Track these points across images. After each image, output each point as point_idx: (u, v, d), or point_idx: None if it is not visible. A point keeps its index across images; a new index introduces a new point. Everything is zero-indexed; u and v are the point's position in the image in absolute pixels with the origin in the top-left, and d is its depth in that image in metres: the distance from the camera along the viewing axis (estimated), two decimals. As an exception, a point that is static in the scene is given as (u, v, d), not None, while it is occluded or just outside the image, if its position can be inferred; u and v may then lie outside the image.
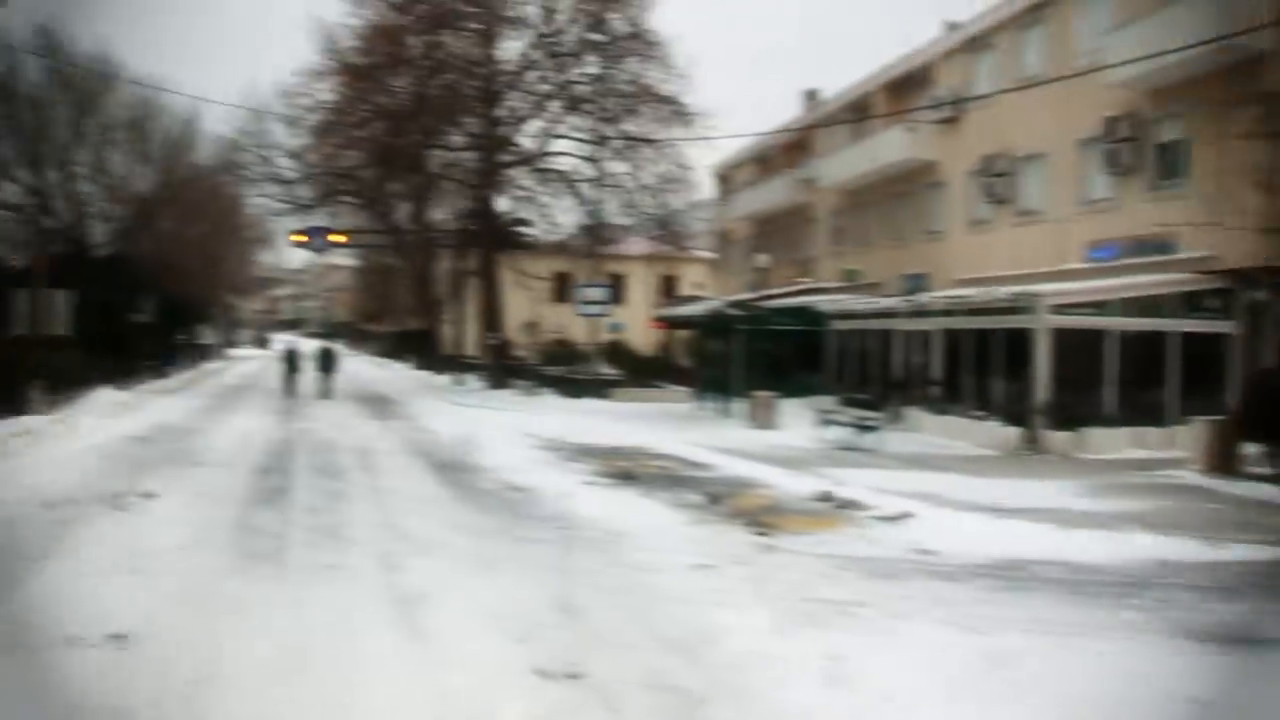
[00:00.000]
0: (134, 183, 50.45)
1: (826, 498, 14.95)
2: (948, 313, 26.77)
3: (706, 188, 52.14)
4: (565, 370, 42.00)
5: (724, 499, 14.86)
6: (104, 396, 29.39)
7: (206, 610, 8.47)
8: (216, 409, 31.43)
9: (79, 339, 31.36)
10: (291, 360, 38.04)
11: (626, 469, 17.95)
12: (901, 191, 34.51)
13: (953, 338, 26.72)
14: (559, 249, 45.62)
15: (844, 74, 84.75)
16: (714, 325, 34.42)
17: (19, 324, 28.75)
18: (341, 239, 46.83)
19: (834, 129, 39.18)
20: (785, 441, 23.52)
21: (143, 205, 50.19)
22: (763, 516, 13.42)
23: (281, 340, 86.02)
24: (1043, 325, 22.79)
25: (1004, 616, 8.79)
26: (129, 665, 7.12)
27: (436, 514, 13.34)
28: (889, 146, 33.85)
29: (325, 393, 37.00)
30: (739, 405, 29.36)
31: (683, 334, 49.60)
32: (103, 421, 24.35)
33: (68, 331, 29.94)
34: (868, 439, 22.65)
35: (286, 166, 45.09)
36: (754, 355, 31.84)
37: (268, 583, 9.41)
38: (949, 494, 15.68)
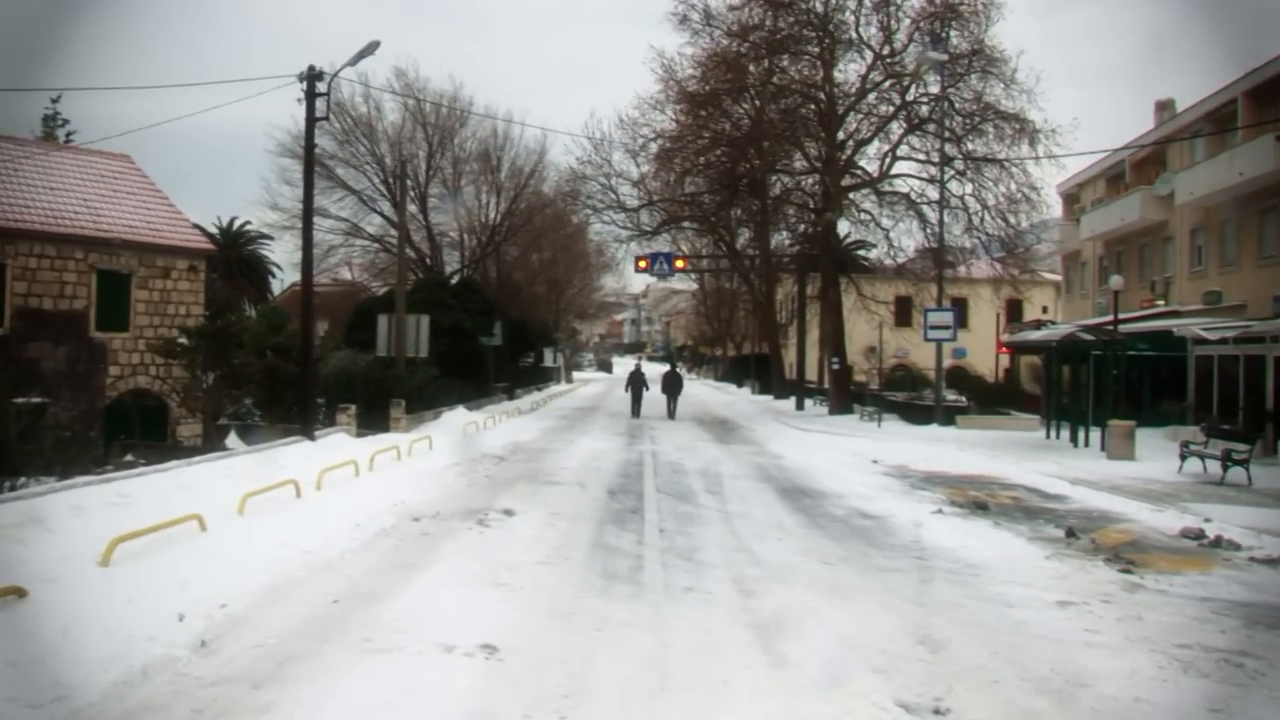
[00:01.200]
0: (483, 212, 53.48)
1: (1195, 535, 13.95)
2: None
3: (1053, 208, 50.00)
4: (908, 396, 41.19)
5: (1083, 532, 14.02)
6: (458, 416, 31.06)
7: (570, 626, 8.70)
8: (565, 429, 32.70)
9: (434, 361, 33.29)
10: (637, 383, 39.01)
11: (978, 498, 17.31)
12: (1270, 206, 31.76)
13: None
14: (900, 272, 44.74)
15: (1200, 83, 79.51)
16: (1066, 350, 32.81)
17: (381, 347, 30.75)
18: (682, 264, 47.67)
19: (1191, 142, 36.60)
20: (1144, 473, 22.07)
21: (491, 234, 53.10)
22: (1126, 552, 12.63)
23: (625, 363, 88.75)
24: None
25: None
26: (501, 675, 7.40)
27: (787, 540, 13.25)
28: (1254, 158, 31.05)
29: (669, 415, 37.80)
30: (1092, 434, 27.90)
31: (1028, 359, 47.73)
32: (458, 440, 25.73)
33: (425, 354, 31.79)
34: (1236, 473, 20.94)
35: (628, 194, 46.43)
36: (1108, 382, 30.19)
37: (626, 602, 9.59)
38: (1337, 537, 14.19)
